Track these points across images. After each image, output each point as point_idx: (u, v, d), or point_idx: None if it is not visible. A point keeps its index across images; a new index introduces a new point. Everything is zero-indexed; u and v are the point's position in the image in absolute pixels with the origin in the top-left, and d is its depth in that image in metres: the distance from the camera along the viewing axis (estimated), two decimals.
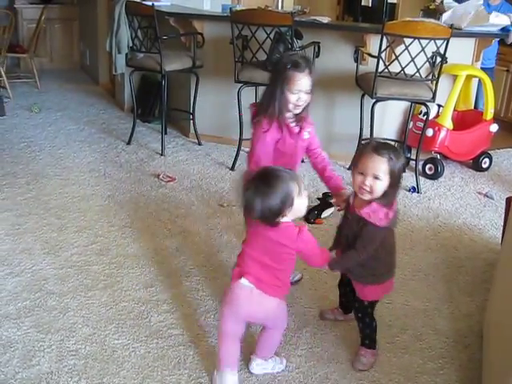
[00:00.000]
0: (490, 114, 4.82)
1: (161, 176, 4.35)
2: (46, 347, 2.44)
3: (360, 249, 2.24)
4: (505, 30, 4.76)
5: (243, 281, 2.12)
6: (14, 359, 2.36)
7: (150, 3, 4.64)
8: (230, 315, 2.18)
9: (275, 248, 2.10)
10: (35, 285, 2.89)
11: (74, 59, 8.41)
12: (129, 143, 5.07)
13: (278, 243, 2.09)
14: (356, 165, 2.23)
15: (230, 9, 4.45)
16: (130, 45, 4.83)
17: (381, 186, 2.16)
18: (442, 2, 4.81)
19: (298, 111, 2.61)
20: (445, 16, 4.70)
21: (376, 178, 2.15)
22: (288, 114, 2.61)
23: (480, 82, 5.01)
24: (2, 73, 6.38)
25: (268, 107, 2.58)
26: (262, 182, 2.03)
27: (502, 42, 5.32)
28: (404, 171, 2.32)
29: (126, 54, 4.88)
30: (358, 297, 2.40)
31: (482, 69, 5.05)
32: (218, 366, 2.25)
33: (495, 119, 4.93)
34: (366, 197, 2.19)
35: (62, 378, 2.28)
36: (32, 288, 2.86)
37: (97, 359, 2.39)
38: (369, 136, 4.37)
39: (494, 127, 4.84)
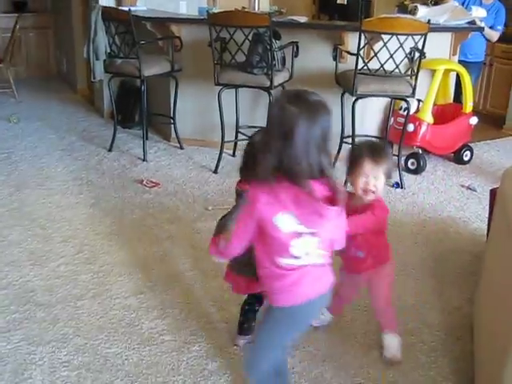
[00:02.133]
0: (469, 107, 4.87)
1: (144, 182, 4.33)
2: (37, 360, 2.41)
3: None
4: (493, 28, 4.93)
5: None
6: (5, 373, 2.33)
7: (126, 9, 4.62)
8: None
9: None
10: (23, 297, 2.85)
11: (50, 67, 8.35)
12: (110, 150, 5.04)
13: None
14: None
15: (207, 11, 4.45)
16: (108, 51, 4.79)
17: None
18: (415, 8, 4.84)
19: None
20: (421, 12, 4.74)
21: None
22: None
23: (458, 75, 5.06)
24: None
25: None
26: None
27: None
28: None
29: (104, 61, 4.84)
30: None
31: (470, 63, 5.10)
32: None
33: (474, 112, 4.98)
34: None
35: None
36: (20, 300, 2.83)
37: (90, 369, 2.37)
38: (350, 134, 4.39)
39: (474, 120, 4.89)
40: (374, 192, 2.25)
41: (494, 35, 5.37)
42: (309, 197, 1.65)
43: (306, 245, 1.74)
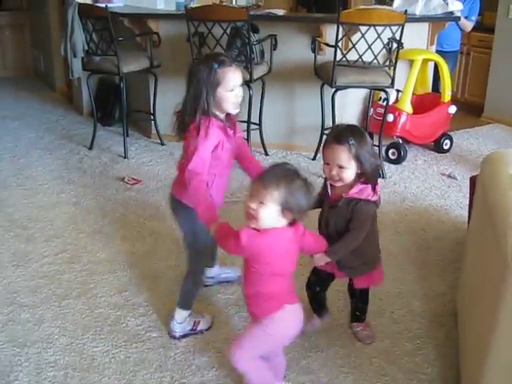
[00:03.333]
0: (447, 96, 4.91)
1: (126, 179, 4.31)
2: (23, 361, 2.40)
3: (358, 227, 2.20)
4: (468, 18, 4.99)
5: None
6: None
7: (103, 5, 4.59)
8: None
9: None
10: (7, 298, 2.83)
11: (27, 66, 8.26)
12: (91, 148, 5.01)
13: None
14: (323, 155, 2.23)
15: (185, 6, 4.43)
16: (86, 48, 4.75)
17: (348, 173, 2.16)
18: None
19: (238, 110, 2.38)
20: (396, 2, 4.76)
21: (340, 167, 2.15)
22: (222, 116, 2.38)
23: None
24: None
25: (201, 110, 2.30)
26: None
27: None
28: (372, 149, 2.27)
29: (82, 58, 4.80)
30: (357, 287, 2.46)
31: (446, 52, 5.13)
32: None
33: (453, 101, 5.02)
34: (339, 184, 2.20)
35: None
36: (4, 302, 2.80)
37: (76, 369, 2.36)
38: (331, 125, 4.40)
39: (453, 109, 4.93)
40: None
41: (468, 25, 5.43)
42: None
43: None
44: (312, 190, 1.96)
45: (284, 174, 1.91)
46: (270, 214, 1.88)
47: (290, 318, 2.04)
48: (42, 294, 2.88)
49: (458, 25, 5.34)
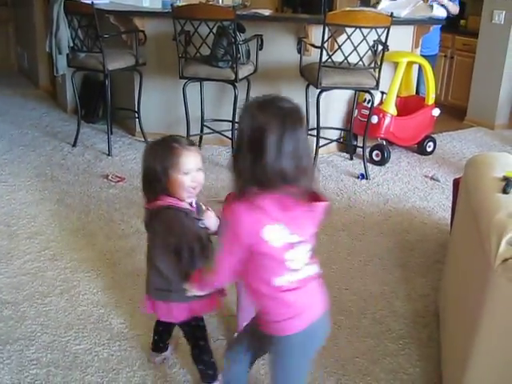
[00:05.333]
0: (431, 98, 4.95)
1: (110, 177, 4.29)
2: (5, 358, 2.38)
3: None
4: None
5: None
6: None
7: (89, 1, 4.54)
8: None
9: None
10: None
11: (10, 62, 8.16)
12: (74, 145, 4.97)
13: None
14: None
15: (171, 4, 4.41)
16: (71, 45, 4.72)
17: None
18: (377, 2, 4.90)
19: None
20: (382, 4, 4.79)
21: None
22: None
23: (420, 68, 5.14)
24: None
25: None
26: None
27: (443, 28, 5.49)
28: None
29: (67, 55, 4.77)
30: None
31: (425, 56, 5.17)
32: None
33: (436, 104, 5.06)
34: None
35: None
36: None
37: (59, 366, 2.35)
38: (315, 126, 4.42)
39: (436, 111, 4.97)
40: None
41: (455, 8, 5.39)
42: (294, 199, 1.52)
43: (301, 254, 1.61)
44: None
45: None
46: None
47: None
48: (25, 291, 2.86)
49: (440, 29, 5.40)
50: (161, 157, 1.92)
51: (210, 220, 2.03)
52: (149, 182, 1.98)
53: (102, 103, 5.48)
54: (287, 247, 1.56)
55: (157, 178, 1.92)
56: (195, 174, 1.95)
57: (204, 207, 2.06)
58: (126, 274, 3.03)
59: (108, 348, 2.46)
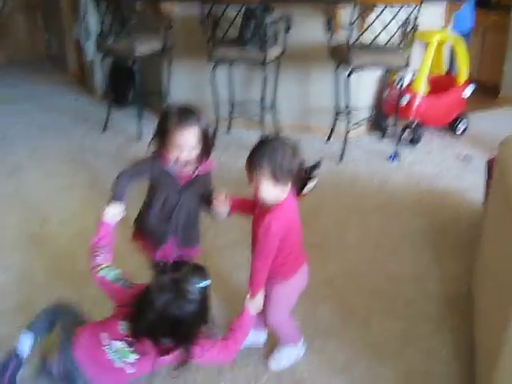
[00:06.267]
0: (463, 77, 4.85)
1: None
2: None
3: None
4: None
5: None
6: None
7: None
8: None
9: None
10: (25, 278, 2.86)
11: (39, 49, 8.22)
12: (105, 130, 5.01)
13: None
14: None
15: None
16: (99, 30, 4.74)
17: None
18: None
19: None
20: None
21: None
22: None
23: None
24: None
25: None
26: None
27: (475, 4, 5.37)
28: None
29: (96, 40, 4.79)
30: None
31: (457, 33, 5.06)
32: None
33: (470, 82, 4.96)
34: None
35: None
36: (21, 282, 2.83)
37: None
38: (344, 107, 4.38)
39: (469, 90, 4.87)
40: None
41: None
42: None
43: None
44: (297, 147, 1.97)
45: (264, 148, 1.95)
46: (270, 189, 1.94)
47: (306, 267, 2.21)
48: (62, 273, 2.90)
49: (473, 5, 5.28)
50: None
51: (219, 206, 2.22)
52: (155, 133, 2.28)
53: (132, 88, 5.49)
54: None
55: (159, 134, 2.24)
56: (184, 149, 2.19)
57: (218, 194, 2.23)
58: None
59: None
